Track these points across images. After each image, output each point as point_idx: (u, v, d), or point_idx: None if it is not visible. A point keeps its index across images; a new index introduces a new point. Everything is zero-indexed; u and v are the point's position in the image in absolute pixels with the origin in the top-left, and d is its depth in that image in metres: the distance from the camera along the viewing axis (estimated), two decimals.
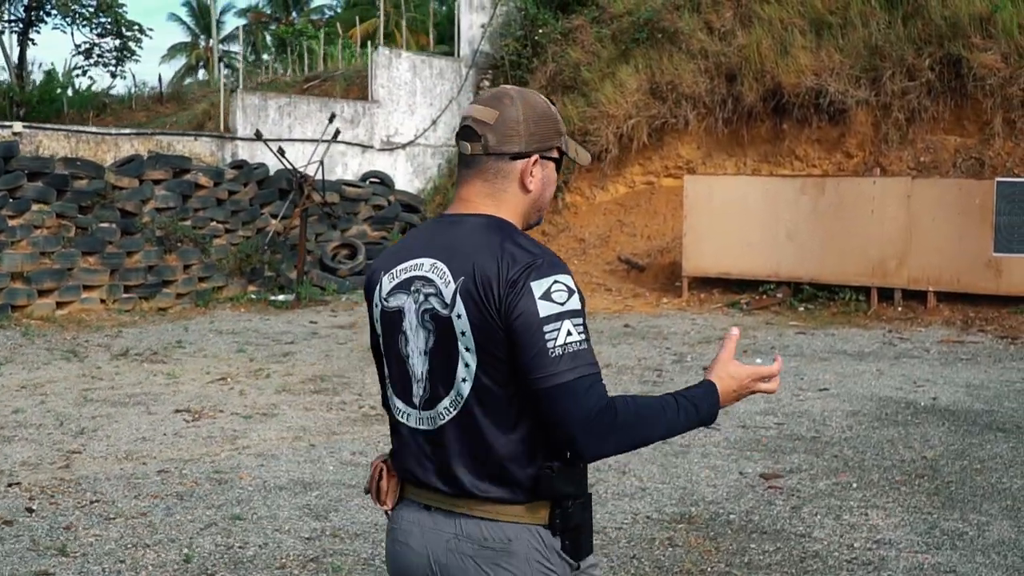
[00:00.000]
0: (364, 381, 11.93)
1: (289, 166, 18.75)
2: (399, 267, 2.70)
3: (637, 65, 20.95)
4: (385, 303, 2.71)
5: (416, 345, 2.64)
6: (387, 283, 2.71)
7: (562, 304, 2.46)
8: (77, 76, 34.74)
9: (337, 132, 19.86)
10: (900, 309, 16.06)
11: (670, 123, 20.38)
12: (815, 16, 19.46)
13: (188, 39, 56.28)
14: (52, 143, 17.47)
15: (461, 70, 24.48)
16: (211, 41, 54.44)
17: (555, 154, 2.72)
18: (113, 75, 35.10)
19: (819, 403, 10.52)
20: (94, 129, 18.53)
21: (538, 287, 2.47)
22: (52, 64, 64.39)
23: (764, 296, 17.18)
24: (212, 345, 14.53)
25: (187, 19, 55.83)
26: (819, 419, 9.82)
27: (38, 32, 34.87)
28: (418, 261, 2.66)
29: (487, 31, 24.54)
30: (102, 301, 17.22)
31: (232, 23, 58.66)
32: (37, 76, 38.51)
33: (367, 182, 22.12)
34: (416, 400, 2.66)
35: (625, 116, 20.47)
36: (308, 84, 29.01)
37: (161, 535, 6.72)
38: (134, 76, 30.57)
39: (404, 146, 23.17)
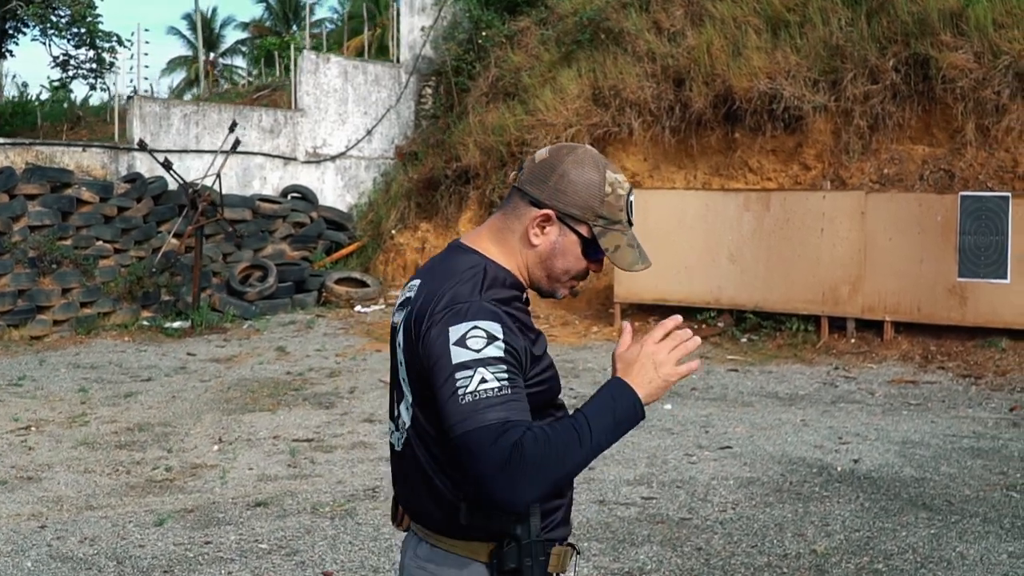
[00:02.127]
0: (188, 433, 10.00)
1: (179, 179, 16.82)
2: (407, 284, 2.67)
3: (579, 69, 18.98)
4: (392, 318, 2.68)
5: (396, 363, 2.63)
6: (398, 299, 2.69)
7: (478, 352, 2.37)
8: (56, 88, 33.35)
9: (237, 142, 17.91)
10: (853, 341, 14.03)
11: (613, 132, 18.39)
12: (772, 14, 17.44)
13: (189, 53, 54.77)
14: None
15: (400, 76, 22.53)
16: (210, 55, 52.98)
17: (582, 230, 2.56)
18: (92, 87, 33.67)
19: (712, 467, 8.52)
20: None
21: (455, 332, 2.40)
22: (22, 79, 62.92)
23: (704, 325, 15.15)
24: (55, 383, 12.62)
25: (187, 33, 54.37)
26: (701, 491, 7.82)
27: (16, 44, 33.33)
28: (415, 280, 2.64)
29: (429, 34, 22.60)
30: None
31: (233, 36, 57.27)
32: (12, 89, 37.09)
33: (288, 197, 20.20)
34: (393, 419, 2.68)
35: (565, 124, 18.48)
36: (259, 94, 27.26)
37: None
38: (109, 89, 28.88)
39: (333, 158, 21.23)
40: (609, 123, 18.26)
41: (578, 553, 2.73)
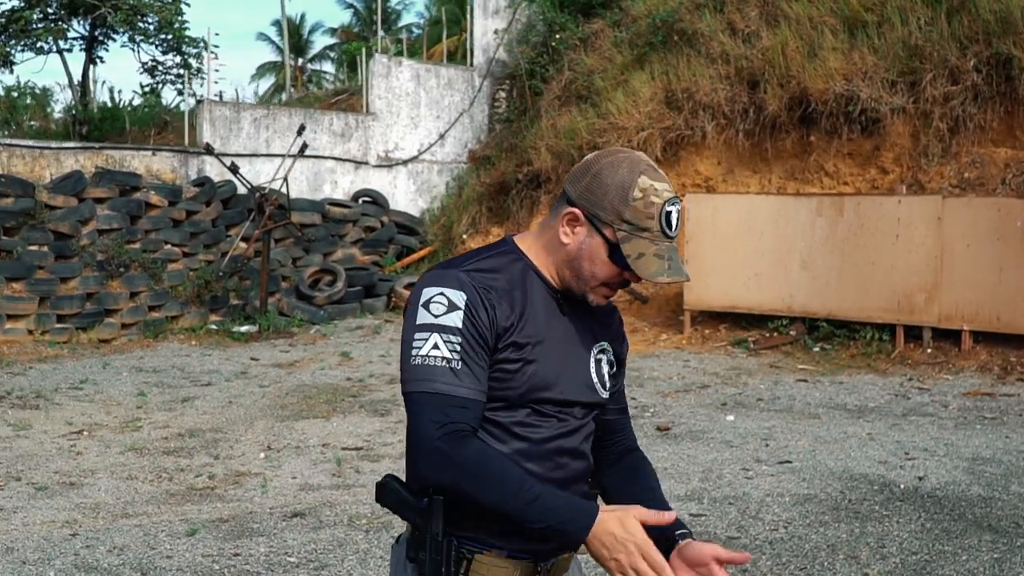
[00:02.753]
0: (238, 440, 9.88)
1: (246, 183, 16.79)
2: None
3: (652, 71, 18.65)
4: None
5: None
6: None
7: (437, 316, 2.39)
8: (146, 94, 33.79)
9: (304, 146, 17.83)
10: (929, 351, 13.55)
11: (686, 135, 18.03)
12: (848, 14, 16.96)
13: (277, 59, 55.23)
14: None
15: (474, 80, 22.36)
16: (298, 60, 53.40)
17: (608, 233, 2.47)
18: (180, 92, 34.08)
19: (768, 482, 8.17)
20: (30, 142, 16.72)
21: (426, 294, 2.43)
22: (112, 84, 63.91)
23: (775, 333, 14.77)
24: (116, 386, 12.59)
25: (276, 38, 54.83)
26: (753, 509, 7.49)
27: (106, 50, 33.87)
28: None
29: (504, 38, 22.40)
30: (30, 332, 15.35)
31: (321, 42, 57.64)
32: (103, 95, 37.65)
33: (358, 201, 20.10)
34: None
35: (637, 128, 18.17)
36: (337, 98, 27.31)
37: None
38: (195, 94, 29.29)
39: (405, 162, 21.10)
40: (682, 126, 17.92)
41: (547, 570, 2.56)
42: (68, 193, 15.95)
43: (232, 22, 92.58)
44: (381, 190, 20.55)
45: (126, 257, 16.24)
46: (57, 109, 34.59)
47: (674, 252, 2.50)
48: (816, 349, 14.24)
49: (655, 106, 18.26)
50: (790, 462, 8.80)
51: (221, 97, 31.78)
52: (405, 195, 21.12)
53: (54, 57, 29.67)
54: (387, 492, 2.52)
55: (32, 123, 32.14)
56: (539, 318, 2.53)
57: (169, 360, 14.44)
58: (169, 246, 16.98)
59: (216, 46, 44.52)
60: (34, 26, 26.79)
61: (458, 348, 2.38)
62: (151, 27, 32.55)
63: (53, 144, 16.86)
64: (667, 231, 2.47)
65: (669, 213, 2.47)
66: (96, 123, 31.14)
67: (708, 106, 17.75)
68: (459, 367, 2.37)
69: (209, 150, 16.91)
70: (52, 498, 7.94)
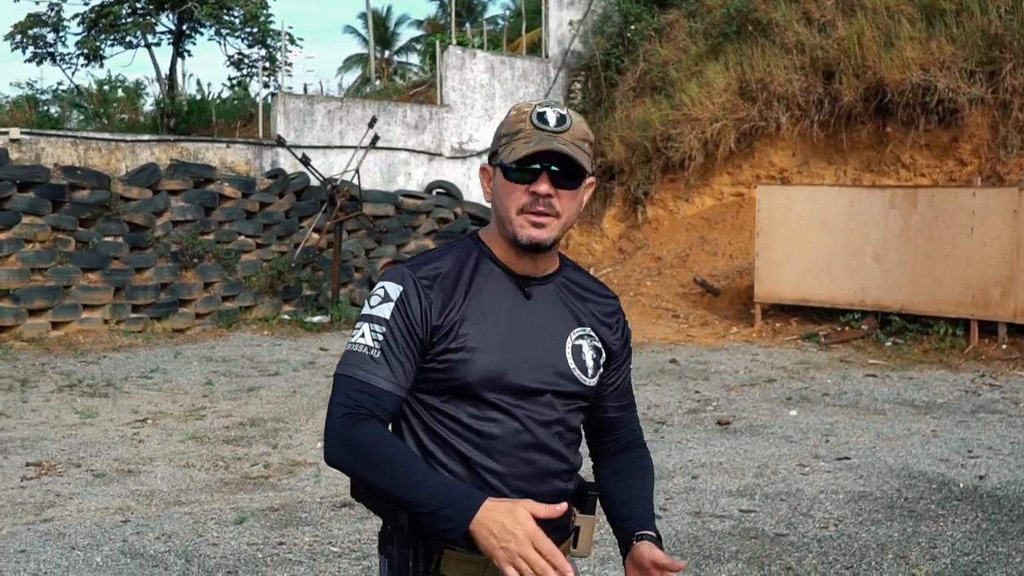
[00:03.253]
0: (298, 430, 9.96)
1: (318, 175, 16.91)
2: None
3: (727, 62, 18.49)
4: None
5: None
6: None
7: (372, 307, 2.47)
8: (233, 87, 34.22)
9: (376, 138, 17.91)
10: (1004, 347, 13.26)
11: (760, 126, 17.85)
12: (926, 2, 16.66)
13: (364, 51, 55.66)
14: (56, 151, 15.93)
15: (549, 71, 22.31)
16: (384, 53, 53.73)
17: (497, 161, 2.49)
18: (266, 85, 34.45)
19: (823, 479, 8.05)
20: (106, 136, 16.97)
21: (374, 289, 2.51)
22: (200, 78, 64.81)
23: (847, 328, 14.55)
24: (185, 375, 12.76)
25: (363, 31, 55.22)
26: (805, 506, 7.37)
27: (193, 44, 34.24)
28: None
29: (579, 29, 22.31)
30: (105, 321, 15.61)
31: (407, 34, 57.92)
32: (190, 88, 38.21)
33: (432, 193, 20.16)
34: None
35: (710, 119, 18.04)
36: (415, 90, 27.42)
37: None
38: (279, 86, 29.62)
39: (479, 154, 21.11)
40: (756, 117, 17.76)
41: None
42: (143, 185, 16.19)
43: (320, 15, 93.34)
44: (455, 182, 20.59)
45: (200, 248, 16.44)
46: (148, 103, 35.09)
47: (551, 138, 2.42)
48: (888, 344, 14.01)
49: (729, 97, 18.10)
50: (849, 458, 8.66)
51: (306, 90, 32.07)
52: (479, 187, 21.10)
53: (142, 51, 30.06)
54: (359, 487, 2.51)
55: (123, 116, 32.64)
56: (493, 306, 2.49)
57: (239, 350, 14.60)
58: (242, 237, 17.17)
59: (301, 39, 44.77)
60: (123, 21, 27.20)
61: (380, 338, 2.41)
62: (237, 21, 32.98)
63: (129, 137, 17.10)
64: (539, 124, 2.44)
65: (542, 112, 2.45)
66: (183, 116, 31.55)
67: (783, 97, 17.56)
68: (377, 356, 2.40)
69: (281, 142, 17.06)
70: (109, 485, 8.06)
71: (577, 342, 2.59)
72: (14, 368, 13.01)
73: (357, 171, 17.39)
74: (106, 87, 32.86)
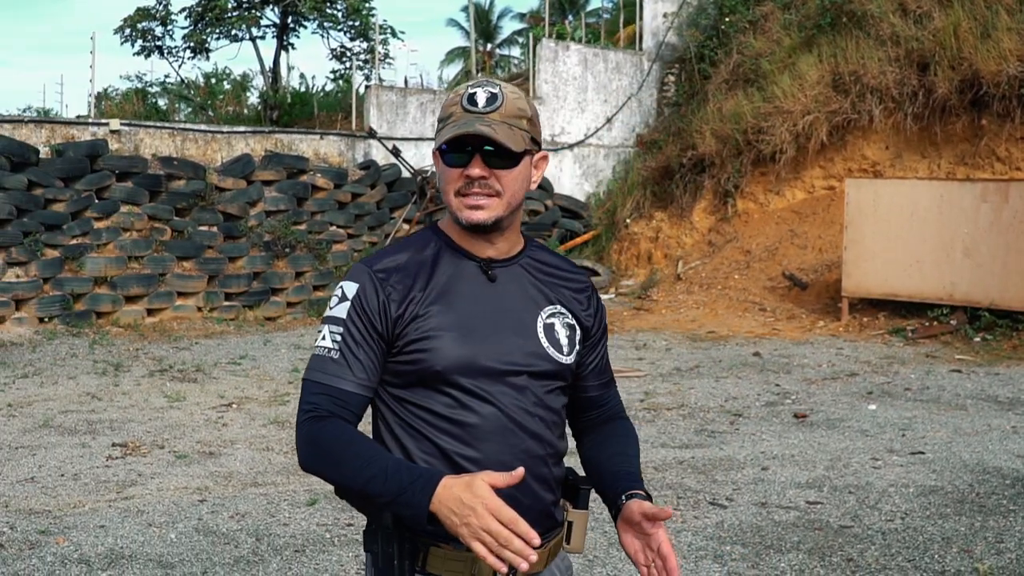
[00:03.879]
0: None
1: (408, 167, 17.14)
2: None
3: (820, 54, 18.33)
4: None
5: None
6: None
7: (331, 308, 2.48)
8: (336, 79, 34.71)
9: None
10: None
11: (852, 119, 17.67)
12: None
13: (467, 44, 56.03)
14: (155, 142, 16.37)
15: (643, 64, 22.31)
16: (486, 46, 54.03)
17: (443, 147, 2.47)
18: (367, 78, 34.87)
19: (894, 473, 8.01)
20: (203, 127, 17.38)
21: (334, 290, 2.52)
22: (303, 71, 65.66)
23: (935, 323, 14.38)
24: (273, 363, 13.06)
25: (465, 24, 55.58)
26: (873, 498, 7.36)
27: (297, 37, 34.73)
28: None
29: (673, 21, 22.28)
30: (198, 309, 16.02)
31: (510, 27, 58.17)
32: (293, 80, 38.80)
33: None
34: None
35: (802, 111, 17.90)
36: (512, 83, 27.50)
37: None
38: (381, 79, 30.13)
39: (571, 146, 21.21)
40: (848, 110, 17.60)
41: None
42: (237, 176, 16.57)
43: (424, 8, 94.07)
44: (546, 174, 20.69)
45: (292, 238, 16.77)
46: (253, 95, 35.64)
47: (478, 119, 2.41)
48: (977, 339, 13.83)
49: (822, 89, 17.96)
50: (923, 453, 8.60)
51: (406, 83, 32.31)
52: (571, 179, 21.22)
53: (247, 44, 30.53)
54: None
55: (230, 108, 33.23)
56: (458, 292, 2.48)
57: None
58: (334, 227, 17.48)
59: (402, 32, 45.05)
60: (229, 15, 27.71)
61: (339, 339, 2.42)
62: (339, 14, 33.42)
63: (225, 128, 17.50)
64: (468, 105, 2.43)
65: (472, 93, 2.44)
66: (286, 108, 32.03)
67: (876, 89, 17.38)
68: (336, 357, 2.41)
69: (372, 134, 17.33)
70: (189, 466, 8.32)
71: (549, 320, 2.56)
72: (109, 353, 13.42)
73: None
74: (212, 80, 33.45)
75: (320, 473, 2.36)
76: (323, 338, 2.44)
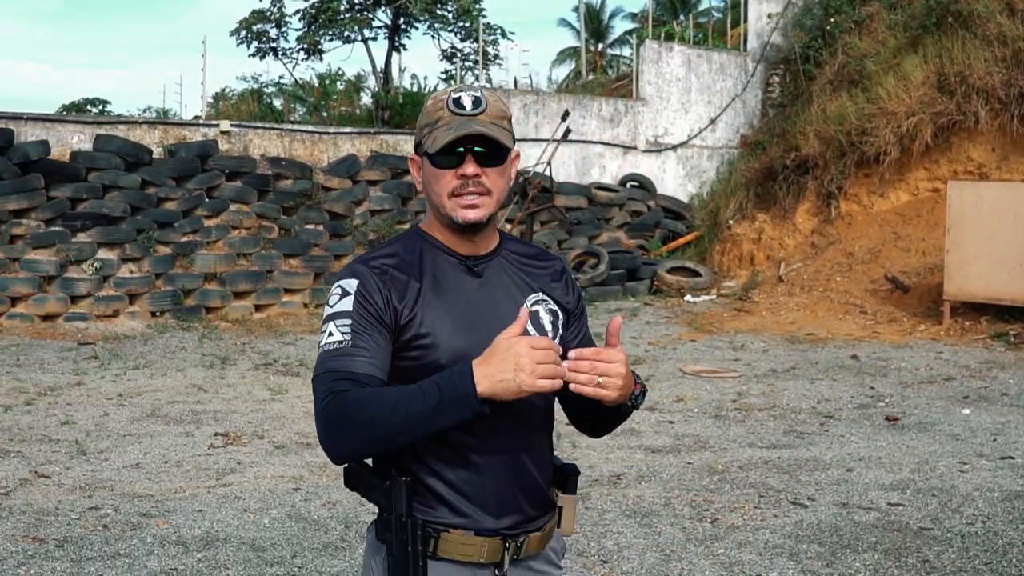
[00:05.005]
0: None
1: None
2: None
3: (925, 55, 18.15)
4: None
5: None
6: None
7: (332, 307, 2.54)
8: (448, 80, 35.16)
9: (568, 131, 18.25)
10: None
11: (957, 120, 17.48)
12: None
13: (578, 44, 56.20)
14: (263, 142, 16.83)
15: (747, 65, 22.28)
16: (597, 46, 54.18)
17: (423, 151, 2.62)
18: (477, 78, 35.22)
19: (981, 477, 8.01)
20: (310, 128, 17.80)
21: (330, 292, 2.58)
22: (414, 71, 66.28)
23: None
24: None
25: (577, 24, 55.74)
26: (956, 502, 7.38)
27: (408, 38, 35.11)
28: None
29: (778, 22, 22.21)
30: (304, 305, 16.45)
31: (621, 27, 58.16)
32: (404, 81, 39.31)
33: (626, 186, 20.41)
34: None
35: (907, 113, 17.75)
36: (618, 83, 27.67)
37: None
38: (490, 79, 30.63)
39: (675, 147, 21.26)
40: (953, 111, 17.41)
41: (518, 547, 2.62)
42: (343, 175, 16.97)
43: (535, 8, 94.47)
44: (649, 175, 20.79)
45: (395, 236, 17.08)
46: (366, 96, 36.14)
47: (472, 121, 2.52)
48: None
49: (926, 90, 17.79)
50: (1012, 458, 8.57)
51: (515, 83, 32.54)
52: (674, 180, 21.27)
53: (359, 45, 30.99)
54: (352, 476, 2.61)
55: (343, 109, 33.77)
56: (448, 289, 2.59)
57: None
58: None
59: (512, 32, 45.29)
60: (341, 16, 28.20)
61: (348, 331, 2.46)
62: (450, 15, 33.76)
63: (331, 129, 17.91)
64: (456, 109, 2.54)
65: (458, 97, 2.55)
66: (398, 109, 32.42)
67: (982, 90, 17.17)
68: (349, 347, 2.45)
69: None
70: (287, 456, 8.63)
71: (533, 308, 2.66)
72: (217, 347, 13.86)
73: (549, 163, 17.79)
74: (326, 81, 34.04)
75: (357, 444, 2.38)
76: (329, 335, 2.48)
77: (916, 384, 11.79)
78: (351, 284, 2.52)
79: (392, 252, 2.62)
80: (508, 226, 17.98)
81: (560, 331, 2.73)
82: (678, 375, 12.47)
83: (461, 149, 2.53)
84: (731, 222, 20.23)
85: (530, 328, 2.60)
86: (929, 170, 18.11)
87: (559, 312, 2.74)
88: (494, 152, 2.56)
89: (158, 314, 15.40)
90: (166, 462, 8.42)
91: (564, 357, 2.55)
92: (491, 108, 2.57)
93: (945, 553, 6.37)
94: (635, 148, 20.79)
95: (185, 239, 15.78)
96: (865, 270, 17.43)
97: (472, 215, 2.56)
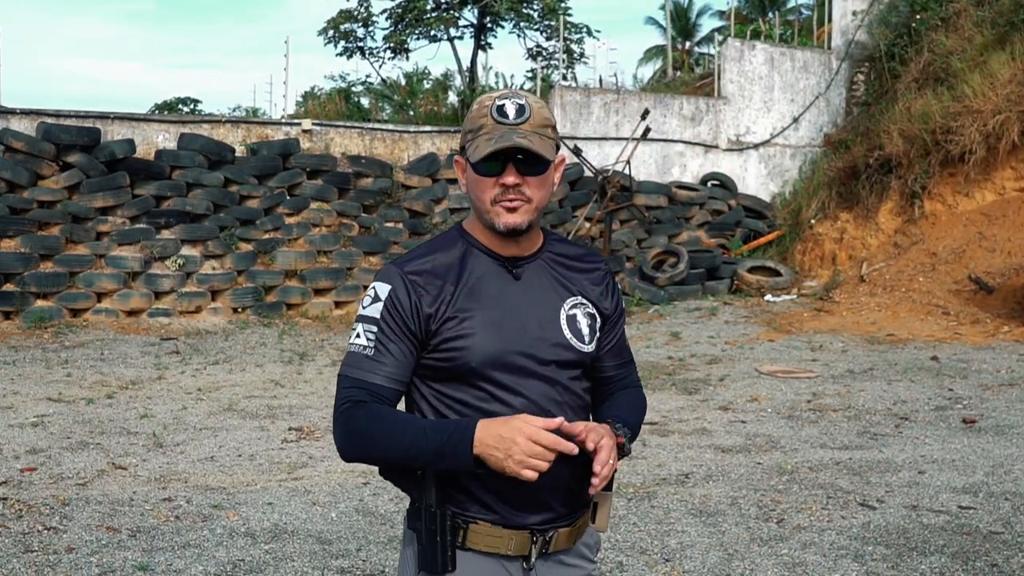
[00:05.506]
0: None
1: (589, 166, 17.38)
2: None
3: (1013, 52, 17.84)
4: None
5: None
6: None
7: (364, 308, 2.62)
8: (532, 79, 35.26)
9: (647, 130, 18.20)
10: None
11: None
12: None
13: (665, 42, 56.01)
14: (344, 141, 17.03)
15: (831, 63, 22.04)
16: (685, 44, 53.98)
17: (467, 154, 2.64)
18: (564, 77, 35.32)
19: None
20: (390, 127, 17.95)
21: (367, 291, 2.67)
22: (498, 71, 66.37)
23: None
24: None
25: (664, 22, 55.57)
26: None
27: (494, 37, 35.38)
28: None
29: (863, 19, 21.94)
30: None
31: (709, 24, 57.85)
32: (490, 79, 39.49)
33: (707, 184, 20.31)
34: None
35: (993, 111, 17.46)
36: (701, 82, 27.55)
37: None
38: (575, 77, 30.79)
39: (757, 146, 21.11)
40: None
41: (546, 540, 2.67)
42: (423, 174, 17.10)
43: (623, 7, 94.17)
44: (730, 174, 20.67)
45: None
46: (452, 94, 36.37)
47: (513, 131, 2.55)
48: None
49: (1014, 88, 17.49)
50: None
51: (601, 82, 32.51)
52: (756, 179, 21.13)
53: (445, 44, 31.17)
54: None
55: (430, 107, 34.00)
56: (486, 291, 2.63)
57: None
58: None
59: (598, 31, 45.06)
60: (427, 16, 28.39)
61: (373, 337, 2.56)
62: (535, 14, 33.83)
63: (411, 128, 18.04)
64: (501, 119, 2.56)
65: (501, 105, 2.57)
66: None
67: None
68: (371, 354, 2.55)
69: None
70: None
71: (571, 312, 2.71)
72: (296, 343, 14.05)
73: (628, 162, 17.76)
74: (413, 80, 34.28)
75: (362, 454, 2.51)
76: (357, 336, 2.59)
77: (996, 386, 11.60)
78: (384, 290, 2.60)
79: (429, 254, 2.67)
80: (587, 225, 18.00)
81: (597, 334, 2.76)
82: (754, 375, 12.40)
83: (503, 157, 2.56)
84: (813, 221, 20.05)
85: (567, 332, 2.67)
86: (1016, 169, 17.80)
87: (597, 316, 2.77)
88: (535, 160, 2.58)
89: (239, 310, 15.66)
90: (240, 455, 8.57)
91: (596, 360, 2.74)
92: (535, 116, 2.59)
93: (1015, 557, 6.28)
94: (716, 147, 20.68)
95: (266, 236, 16.02)
96: (948, 270, 17.18)
97: (513, 220, 2.60)
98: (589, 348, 2.73)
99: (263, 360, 12.99)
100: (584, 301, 2.75)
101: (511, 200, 2.59)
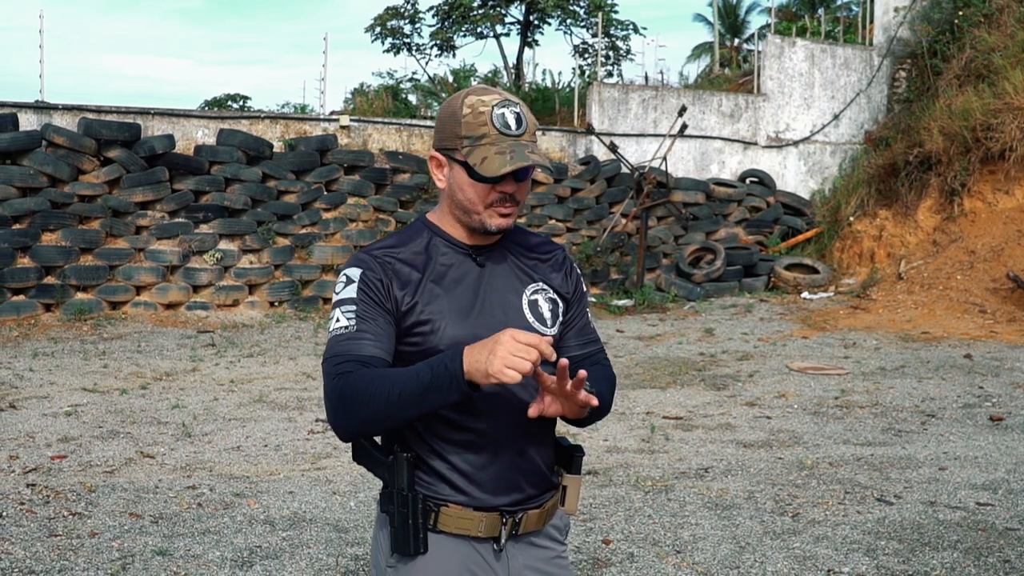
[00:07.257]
0: None
1: (626, 162, 17.40)
2: None
3: None
4: None
5: None
6: None
7: (338, 294, 2.65)
8: (580, 75, 35.29)
9: (684, 127, 18.20)
10: None
11: None
12: None
13: (713, 39, 55.86)
14: (382, 136, 17.16)
15: (872, 59, 21.93)
16: (733, 41, 53.77)
17: (459, 157, 2.65)
18: (610, 74, 35.36)
19: None
20: (428, 123, 18.05)
21: (337, 281, 2.69)
22: (545, 68, 66.41)
23: None
24: None
25: (712, 19, 55.43)
26: None
27: (541, 34, 35.27)
28: None
29: (906, 15, 21.82)
30: None
31: (758, 21, 57.65)
32: (536, 76, 39.48)
33: (745, 181, 20.28)
34: None
35: None
36: (744, 79, 27.47)
37: (44, 560, 5.73)
38: (621, 74, 30.82)
39: (796, 143, 21.05)
40: None
41: (516, 522, 2.73)
42: None
43: (672, 3, 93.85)
44: (769, 171, 20.63)
45: None
46: None
47: (521, 145, 2.60)
48: None
49: None
50: None
51: (647, 79, 32.46)
52: (795, 176, 21.07)
53: (491, 41, 31.26)
54: (359, 451, 2.74)
55: None
56: (451, 278, 2.71)
57: None
58: (553, 221, 17.90)
59: (644, 28, 45.02)
60: (474, 13, 28.49)
61: (353, 316, 2.58)
62: (581, 11, 33.84)
63: None
64: (505, 130, 2.60)
65: (502, 114, 2.61)
66: (529, 103, 32.59)
67: None
68: (355, 332, 2.57)
69: (590, 130, 17.65)
70: None
71: (532, 297, 2.78)
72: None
73: (664, 159, 17.77)
74: (460, 76, 34.43)
75: (358, 420, 2.48)
76: (336, 320, 2.60)
77: None
78: (355, 273, 2.64)
79: (395, 243, 2.74)
80: (624, 221, 18.03)
81: (559, 318, 2.82)
82: (784, 371, 12.40)
83: None
84: (852, 219, 19.96)
85: (530, 317, 2.74)
86: None
87: (559, 301, 2.84)
88: (526, 169, 2.65)
89: (276, 304, 15.83)
90: (266, 446, 8.70)
91: (560, 340, 2.78)
92: (529, 124, 2.65)
93: None
94: (755, 144, 20.64)
95: (304, 231, 16.18)
96: (987, 268, 17.06)
97: (505, 223, 2.69)
98: (551, 331, 2.78)
99: (297, 353, 13.13)
100: (545, 287, 2.82)
101: (507, 206, 2.68)
